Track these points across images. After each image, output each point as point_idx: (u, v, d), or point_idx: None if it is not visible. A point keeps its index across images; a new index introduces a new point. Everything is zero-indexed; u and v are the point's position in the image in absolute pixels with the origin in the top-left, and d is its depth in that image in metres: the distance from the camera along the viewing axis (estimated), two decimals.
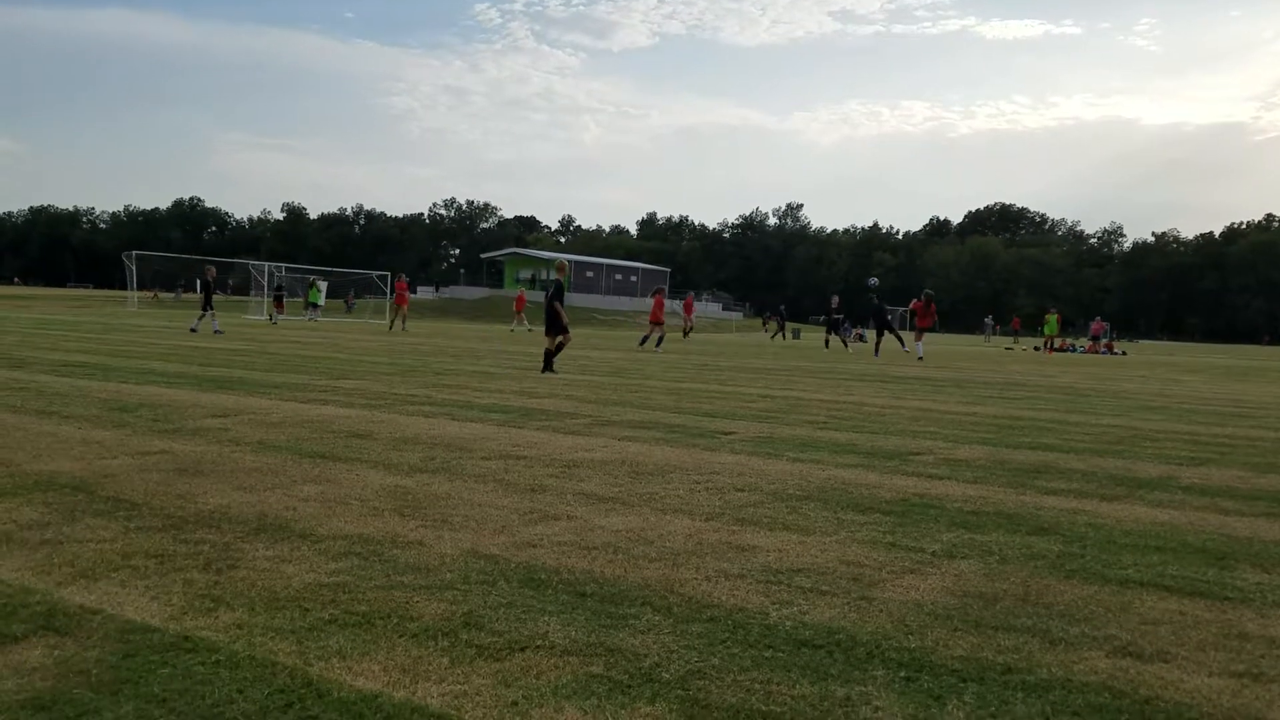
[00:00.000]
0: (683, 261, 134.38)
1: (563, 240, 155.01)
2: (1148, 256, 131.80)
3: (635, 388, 13.26)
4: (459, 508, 5.15)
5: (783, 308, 61.15)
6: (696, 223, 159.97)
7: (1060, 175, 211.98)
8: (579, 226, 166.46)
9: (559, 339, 15.37)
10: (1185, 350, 61.99)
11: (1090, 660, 3.24)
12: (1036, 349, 43.86)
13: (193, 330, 26.02)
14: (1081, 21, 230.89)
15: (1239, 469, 7.74)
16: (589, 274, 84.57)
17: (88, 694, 2.66)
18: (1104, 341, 45.46)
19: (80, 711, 2.56)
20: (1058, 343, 46.01)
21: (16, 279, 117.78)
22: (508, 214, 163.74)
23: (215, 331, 25.84)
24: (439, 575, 3.90)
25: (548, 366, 15.20)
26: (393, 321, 29.34)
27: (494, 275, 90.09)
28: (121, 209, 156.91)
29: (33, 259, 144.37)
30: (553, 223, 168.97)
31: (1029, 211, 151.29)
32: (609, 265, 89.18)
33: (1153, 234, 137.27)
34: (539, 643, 3.18)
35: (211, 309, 26.55)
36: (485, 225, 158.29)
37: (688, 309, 36.25)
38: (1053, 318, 43.36)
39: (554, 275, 16.42)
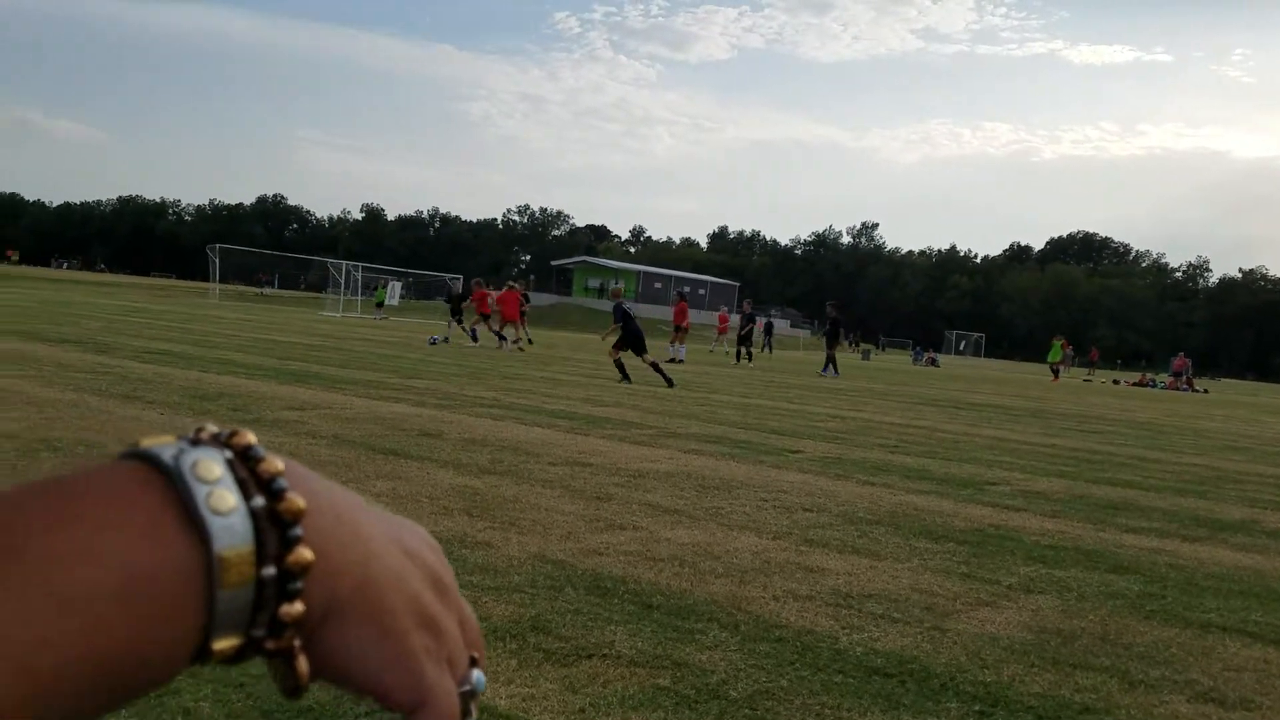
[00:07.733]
0: (752, 276, 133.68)
1: (632, 250, 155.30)
2: (1234, 293, 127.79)
3: (702, 401, 13.22)
4: (526, 511, 5.17)
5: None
6: (768, 238, 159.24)
7: (1146, 205, 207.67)
8: (649, 237, 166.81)
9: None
10: (1270, 391, 59.95)
11: (1171, 704, 3.14)
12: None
13: None
14: (1174, 49, 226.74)
15: None
16: (657, 285, 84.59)
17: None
18: (1185, 378, 44.10)
19: (158, 693, 2.61)
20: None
21: (102, 265, 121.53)
22: (579, 222, 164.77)
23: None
24: (507, 577, 3.92)
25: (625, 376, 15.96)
26: (513, 336, 24.22)
27: (563, 283, 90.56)
28: (206, 202, 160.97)
29: (119, 247, 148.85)
30: (623, 232, 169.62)
31: (1112, 241, 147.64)
32: (677, 277, 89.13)
33: (1240, 270, 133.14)
34: (606, 651, 3.17)
35: None
36: (556, 233, 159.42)
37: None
38: (1057, 343, 40.58)
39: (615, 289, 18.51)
